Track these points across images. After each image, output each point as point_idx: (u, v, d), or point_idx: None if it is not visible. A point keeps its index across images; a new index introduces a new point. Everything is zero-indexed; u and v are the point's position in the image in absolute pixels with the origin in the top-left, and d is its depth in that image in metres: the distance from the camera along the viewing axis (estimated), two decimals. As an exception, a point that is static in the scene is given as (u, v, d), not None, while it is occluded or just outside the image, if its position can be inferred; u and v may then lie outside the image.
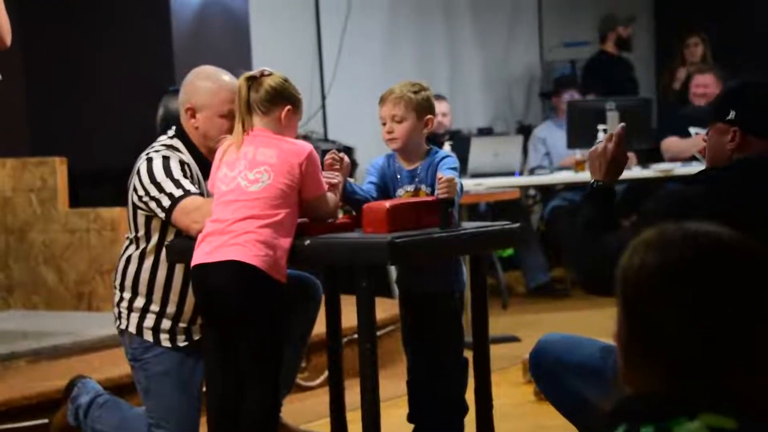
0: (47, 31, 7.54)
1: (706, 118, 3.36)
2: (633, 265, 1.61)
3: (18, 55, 7.13)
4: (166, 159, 3.93)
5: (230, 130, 3.90)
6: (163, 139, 4.03)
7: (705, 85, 7.97)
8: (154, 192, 3.87)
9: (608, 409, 1.60)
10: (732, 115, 3.14)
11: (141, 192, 3.90)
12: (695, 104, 7.95)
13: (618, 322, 1.63)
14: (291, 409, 4.63)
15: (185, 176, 3.91)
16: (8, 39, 4.36)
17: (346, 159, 3.93)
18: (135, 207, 3.96)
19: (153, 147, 3.99)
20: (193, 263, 3.72)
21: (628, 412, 1.57)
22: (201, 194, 3.89)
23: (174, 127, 4.05)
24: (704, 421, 1.53)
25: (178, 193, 3.85)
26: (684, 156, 7.66)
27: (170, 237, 3.93)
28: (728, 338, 1.56)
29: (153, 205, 3.88)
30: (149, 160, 3.93)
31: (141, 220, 3.96)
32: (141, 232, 3.97)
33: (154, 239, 3.96)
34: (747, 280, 1.58)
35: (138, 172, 3.93)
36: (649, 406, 1.56)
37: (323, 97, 8.66)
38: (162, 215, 3.87)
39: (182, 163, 3.94)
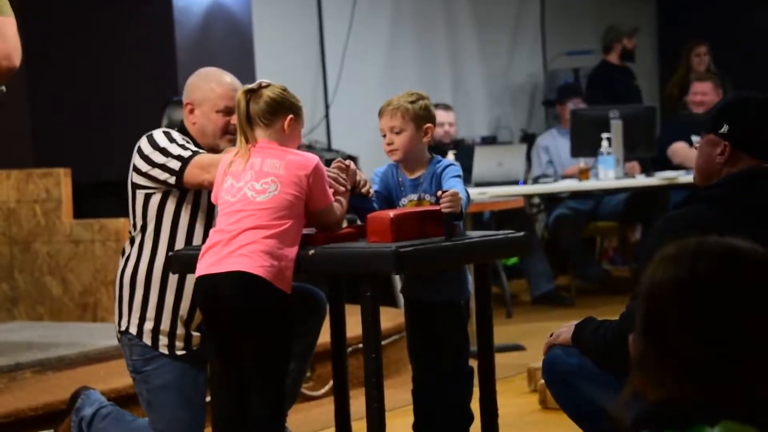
0: (50, 43, 7.55)
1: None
2: (652, 279, 1.65)
3: (21, 67, 7.13)
4: (167, 132, 4.00)
5: (226, 127, 3.98)
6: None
7: (704, 93, 7.99)
8: (159, 158, 3.92)
9: (629, 416, 1.60)
10: (725, 128, 3.16)
11: (143, 165, 3.94)
12: (693, 111, 7.96)
13: (637, 331, 1.65)
14: (296, 419, 4.62)
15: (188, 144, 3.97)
16: (17, 60, 4.37)
17: (353, 166, 3.94)
18: (135, 187, 3.99)
19: None
20: (197, 274, 3.72)
21: (649, 419, 1.58)
22: None
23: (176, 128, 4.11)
24: (725, 428, 1.53)
25: (187, 154, 3.90)
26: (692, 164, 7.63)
27: (165, 225, 3.96)
28: (748, 345, 1.57)
29: (158, 172, 3.91)
30: (149, 135, 3.99)
31: (139, 202, 3.98)
32: (139, 222, 3.99)
33: (150, 228, 3.98)
34: (763, 287, 1.59)
35: (138, 149, 3.97)
36: (671, 413, 1.58)
37: (326, 107, 8.67)
38: (172, 179, 3.89)
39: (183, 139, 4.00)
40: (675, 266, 1.63)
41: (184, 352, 4.01)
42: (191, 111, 4.04)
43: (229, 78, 4.06)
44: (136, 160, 3.97)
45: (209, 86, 4.03)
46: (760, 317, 1.57)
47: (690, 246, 1.64)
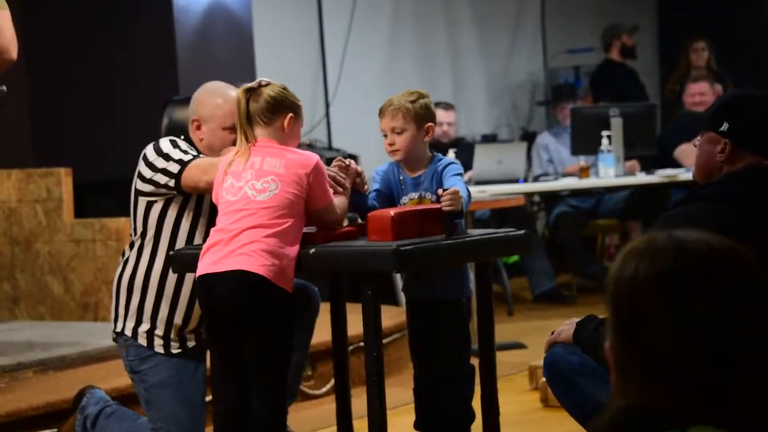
0: (50, 42, 7.56)
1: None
2: (624, 276, 1.58)
3: (22, 66, 7.14)
4: (173, 140, 4.00)
5: (234, 144, 3.93)
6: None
7: (701, 93, 7.98)
8: (161, 164, 3.92)
9: (603, 420, 1.58)
10: (725, 126, 3.15)
11: (147, 172, 3.94)
12: (694, 111, 7.93)
13: (609, 332, 1.60)
14: (298, 417, 4.63)
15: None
16: (14, 53, 4.37)
17: (353, 165, 3.94)
18: (138, 194, 3.98)
19: None
20: (198, 273, 3.73)
21: (621, 423, 1.55)
22: None
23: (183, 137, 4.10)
24: None
25: (187, 158, 3.90)
26: None
27: (166, 232, 3.96)
28: (722, 348, 1.53)
29: (159, 177, 3.92)
30: (155, 143, 3.99)
31: (141, 209, 3.98)
32: (140, 228, 4.00)
33: (150, 234, 3.98)
34: (740, 287, 1.55)
35: (144, 156, 3.97)
36: (642, 418, 1.54)
37: (327, 106, 8.67)
38: (171, 182, 3.89)
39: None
40: (652, 263, 1.56)
41: (180, 350, 4.02)
42: (198, 127, 4.02)
43: (234, 93, 4.00)
44: (141, 167, 3.97)
45: (215, 102, 4.00)
46: (739, 318, 1.53)
47: (666, 242, 1.58)
